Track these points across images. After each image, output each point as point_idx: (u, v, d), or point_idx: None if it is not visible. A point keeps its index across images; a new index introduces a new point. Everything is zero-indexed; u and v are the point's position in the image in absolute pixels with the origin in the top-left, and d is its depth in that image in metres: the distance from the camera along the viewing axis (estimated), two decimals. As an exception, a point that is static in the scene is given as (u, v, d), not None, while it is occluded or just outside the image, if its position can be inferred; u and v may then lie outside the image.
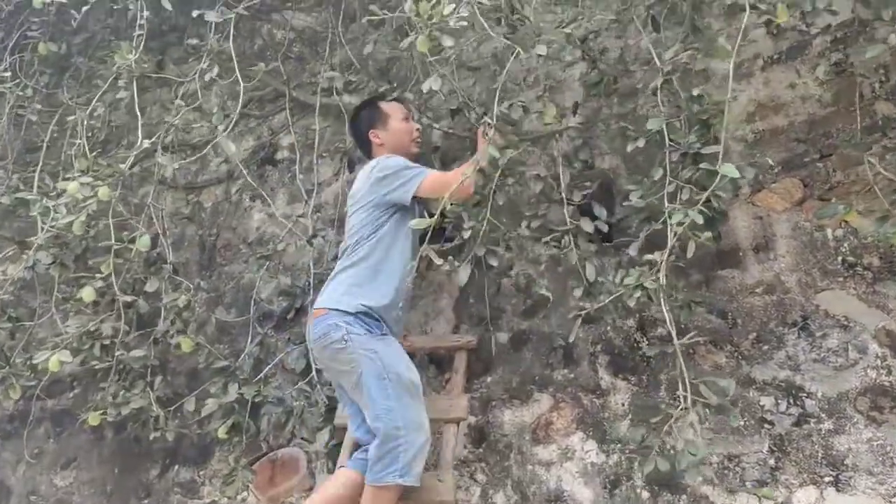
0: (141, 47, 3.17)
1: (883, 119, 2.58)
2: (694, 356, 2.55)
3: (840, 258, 2.50)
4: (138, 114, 3.08)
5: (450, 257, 2.31)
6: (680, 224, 2.25)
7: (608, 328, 2.72)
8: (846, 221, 2.55)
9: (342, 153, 3.28)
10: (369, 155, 2.79)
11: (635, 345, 2.66)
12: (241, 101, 2.91)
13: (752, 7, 2.28)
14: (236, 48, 3.03)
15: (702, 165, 2.33)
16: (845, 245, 2.51)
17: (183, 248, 3.53)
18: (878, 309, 2.40)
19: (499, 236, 2.78)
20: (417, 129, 2.83)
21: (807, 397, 2.39)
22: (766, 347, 2.50)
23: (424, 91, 2.52)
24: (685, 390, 2.25)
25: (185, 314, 3.10)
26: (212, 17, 2.96)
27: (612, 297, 2.31)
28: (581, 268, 2.45)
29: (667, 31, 3.02)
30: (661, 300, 2.28)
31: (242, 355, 3.01)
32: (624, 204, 2.50)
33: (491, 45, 3.26)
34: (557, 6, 3.21)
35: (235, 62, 2.93)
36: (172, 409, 3.03)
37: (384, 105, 2.82)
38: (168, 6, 3.12)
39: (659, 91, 2.48)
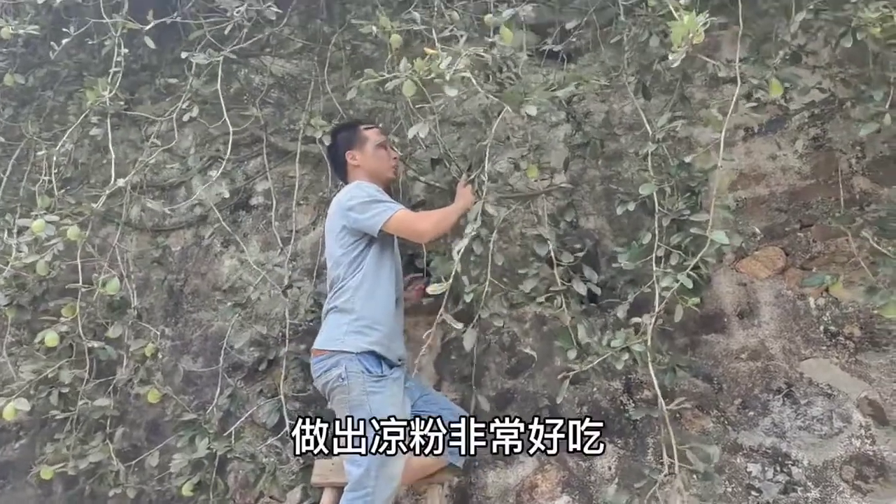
0: (118, 84, 3.08)
1: (860, 194, 2.68)
2: (681, 420, 2.56)
3: (822, 327, 2.55)
4: (111, 152, 2.96)
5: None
6: (667, 289, 2.28)
7: (594, 389, 2.70)
8: (827, 291, 2.61)
9: (322, 202, 3.21)
10: (345, 178, 2.77)
11: (622, 407, 2.65)
12: (229, 144, 2.83)
13: (744, 81, 2.33)
14: (212, 90, 2.99)
15: (692, 231, 2.37)
16: (827, 314, 2.57)
17: (147, 292, 3.38)
18: (860, 378, 2.45)
19: (499, 297, 2.79)
20: (395, 158, 2.81)
21: (793, 465, 2.41)
22: (751, 413, 2.52)
23: (409, 137, 2.51)
24: (671, 456, 2.25)
25: (149, 363, 2.97)
26: (199, 59, 2.89)
27: (599, 360, 2.31)
28: (572, 328, 2.43)
29: (652, 98, 3.12)
30: (647, 363, 2.30)
31: (210, 407, 2.87)
32: (613, 265, 2.50)
33: (475, 102, 3.27)
34: (543, 67, 3.26)
35: (223, 105, 2.85)
36: (133, 463, 2.86)
37: (363, 129, 2.81)
38: (151, 44, 3.04)
39: (650, 157, 2.53)
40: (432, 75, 2.39)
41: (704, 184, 2.50)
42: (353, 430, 2.34)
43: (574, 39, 3.02)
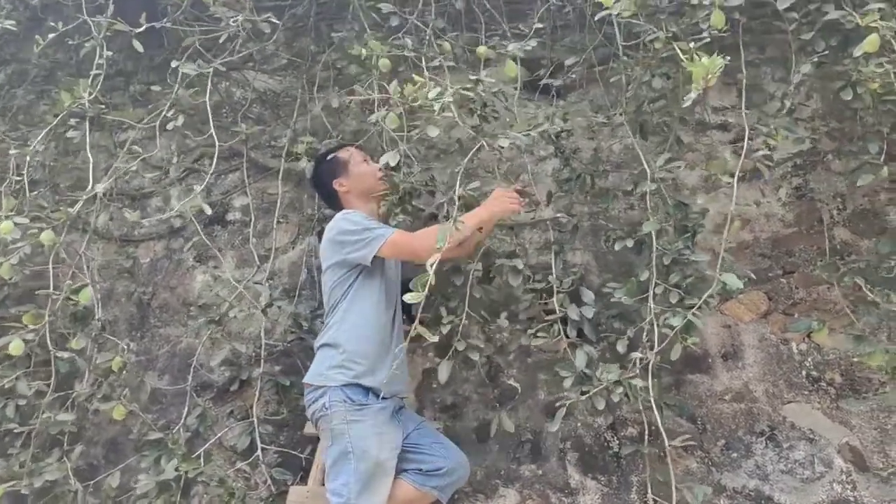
0: (98, 87, 2.97)
1: (841, 244, 2.76)
2: (665, 460, 2.55)
3: (805, 372, 2.60)
4: (89, 156, 2.85)
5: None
6: (669, 327, 2.29)
7: (578, 424, 2.68)
8: (809, 337, 2.67)
9: (314, 220, 3.14)
10: (337, 207, 2.71)
11: (606, 443, 2.64)
12: (215, 157, 2.76)
13: (740, 128, 2.37)
14: (196, 101, 2.92)
15: (690, 271, 2.41)
16: (809, 360, 2.62)
17: (111, 304, 3.23)
18: (841, 424, 2.50)
19: (477, 329, 2.76)
20: (380, 169, 2.71)
21: (776, 508, 2.43)
22: (734, 455, 2.54)
23: (380, 164, 2.48)
24: (663, 494, 2.26)
25: (111, 377, 2.83)
26: (189, 69, 2.82)
27: (595, 390, 2.30)
28: (571, 356, 2.42)
29: (642, 139, 3.16)
30: (650, 399, 2.30)
31: (177, 427, 2.74)
32: (612, 300, 2.50)
33: (462, 131, 3.26)
34: (531, 102, 3.28)
35: (210, 117, 2.78)
36: (91, 483, 2.71)
37: (341, 153, 2.77)
38: (139, 48, 2.94)
39: (648, 196, 2.56)
40: (418, 103, 2.39)
41: (701, 225, 2.54)
42: (333, 458, 2.28)
43: (565, 76, 3.04)
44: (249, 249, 3.12)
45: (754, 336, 2.69)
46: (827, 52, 2.32)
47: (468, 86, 2.49)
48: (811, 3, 2.38)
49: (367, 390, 2.35)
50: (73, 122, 2.96)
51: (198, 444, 2.83)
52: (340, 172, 2.70)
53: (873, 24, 2.13)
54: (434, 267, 2.02)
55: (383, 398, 2.37)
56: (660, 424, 2.18)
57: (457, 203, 2.30)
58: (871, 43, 2.13)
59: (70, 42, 3.16)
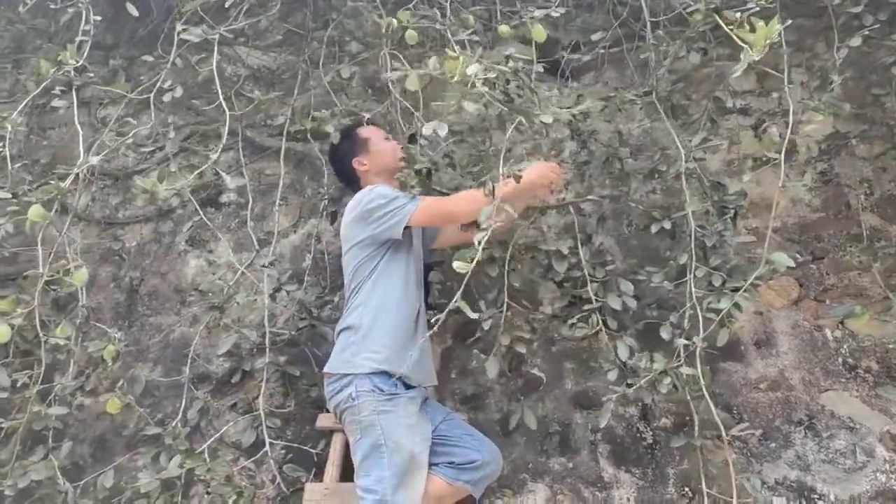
0: (85, 55, 2.74)
1: (870, 230, 2.70)
2: (702, 451, 2.44)
3: (840, 359, 2.52)
4: (78, 127, 2.61)
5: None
6: (714, 311, 2.19)
7: (609, 415, 2.55)
8: (842, 324, 2.59)
9: (323, 202, 2.95)
10: (356, 187, 2.55)
11: (638, 434, 2.51)
12: (225, 130, 2.55)
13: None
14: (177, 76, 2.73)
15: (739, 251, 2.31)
16: (845, 347, 2.54)
17: (94, 290, 2.98)
18: (881, 413, 2.42)
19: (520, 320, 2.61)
20: (401, 147, 2.57)
21: (819, 499, 2.33)
22: (773, 445, 2.44)
23: (425, 134, 2.31)
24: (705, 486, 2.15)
25: (105, 368, 2.60)
26: (191, 35, 2.61)
27: (642, 382, 2.18)
28: (612, 347, 2.29)
29: (656, 122, 3.06)
30: (685, 389, 2.19)
31: (175, 422, 2.52)
32: (654, 284, 2.38)
33: (492, 108, 3.12)
34: (544, 84, 3.15)
35: (219, 85, 2.58)
36: (80, 483, 2.47)
37: (362, 130, 2.64)
38: (134, 12, 2.73)
39: (683, 177, 2.45)
40: (457, 79, 2.25)
41: (741, 206, 2.44)
42: (363, 452, 2.10)
43: (590, 52, 2.92)
44: (247, 233, 2.92)
45: (787, 323, 2.61)
46: (877, 25, 2.24)
47: (498, 62, 2.36)
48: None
49: (395, 380, 2.18)
50: (57, 90, 2.72)
51: (196, 440, 2.63)
52: (360, 151, 2.56)
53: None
54: (482, 243, 1.87)
55: (411, 387, 2.21)
56: (715, 415, 2.05)
57: (502, 178, 2.14)
58: (929, 15, 2.06)
59: (52, 6, 2.92)
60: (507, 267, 2.41)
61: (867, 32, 2.25)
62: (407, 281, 2.32)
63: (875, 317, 2.56)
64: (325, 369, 2.27)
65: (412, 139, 2.42)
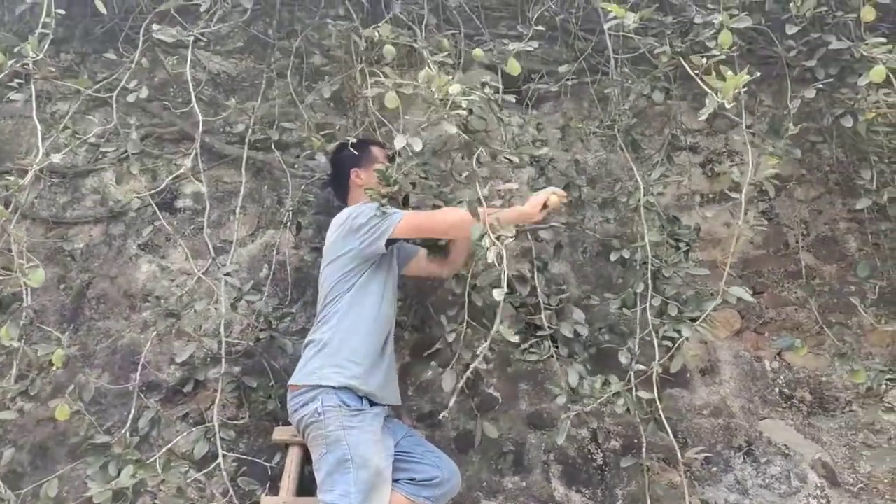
0: (46, 47, 2.65)
1: (806, 268, 2.87)
2: (649, 473, 2.54)
3: (777, 389, 2.68)
4: (36, 122, 2.53)
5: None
6: (670, 339, 2.30)
7: (566, 434, 2.63)
8: (780, 355, 2.76)
9: (289, 212, 2.93)
10: (344, 196, 2.60)
11: (589, 456, 2.60)
12: (198, 135, 2.51)
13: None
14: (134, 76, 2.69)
15: (694, 283, 2.43)
16: (781, 377, 2.70)
17: (38, 292, 2.86)
18: (813, 441, 2.58)
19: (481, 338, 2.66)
20: (375, 169, 2.58)
21: (756, 522, 2.47)
22: (714, 469, 2.56)
23: (397, 148, 2.35)
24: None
25: (42, 374, 2.53)
26: (165, 35, 2.57)
27: (594, 404, 2.27)
28: (563, 373, 2.37)
29: (611, 153, 3.18)
30: (637, 413, 2.29)
31: (124, 431, 2.45)
32: (612, 310, 2.47)
33: (435, 132, 3.18)
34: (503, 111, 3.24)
35: (191, 89, 2.55)
36: (23, 492, 2.38)
37: (375, 148, 2.66)
38: (103, 10, 2.67)
39: (641, 208, 2.56)
40: (438, 97, 2.31)
41: (694, 239, 2.57)
42: (329, 467, 2.11)
43: (557, 84, 3.01)
44: (202, 240, 2.87)
45: (730, 353, 2.75)
46: (830, 80, 2.41)
47: (472, 87, 2.42)
48: (812, 33, 2.48)
49: (361, 396, 2.20)
50: (15, 83, 2.64)
51: (144, 450, 2.56)
52: (363, 164, 2.57)
53: (880, 56, 2.23)
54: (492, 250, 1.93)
55: (376, 405, 2.24)
56: (672, 438, 2.15)
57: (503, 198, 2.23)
58: (877, 73, 2.23)
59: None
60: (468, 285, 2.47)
61: (820, 85, 2.41)
62: (383, 300, 2.34)
63: (810, 350, 2.73)
64: (291, 381, 2.26)
65: (391, 159, 2.45)
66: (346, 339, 2.24)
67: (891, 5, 2.43)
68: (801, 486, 2.50)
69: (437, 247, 2.60)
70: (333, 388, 2.16)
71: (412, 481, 2.25)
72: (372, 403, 2.23)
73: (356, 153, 2.54)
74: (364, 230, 2.27)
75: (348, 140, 2.55)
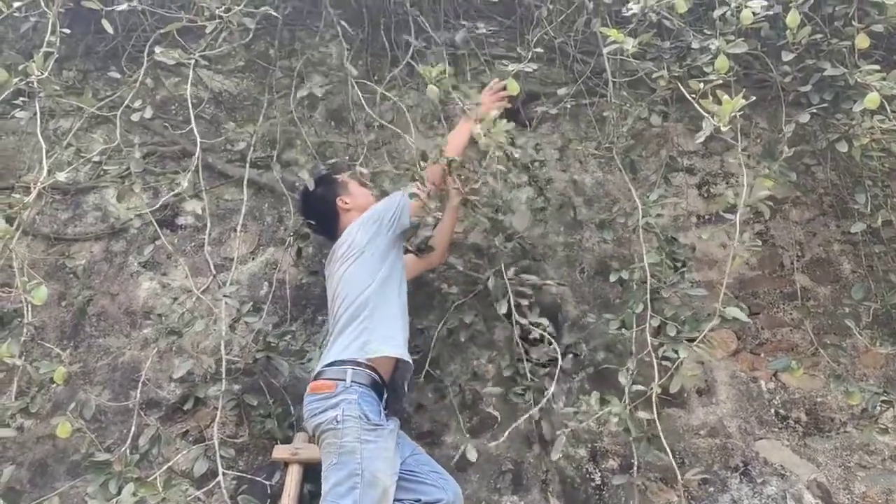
0: (51, 66, 2.68)
1: (801, 289, 2.91)
2: (646, 493, 2.56)
3: (773, 410, 2.70)
4: (41, 140, 2.55)
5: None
6: (669, 359, 2.33)
7: (560, 456, 2.64)
8: (776, 376, 2.78)
9: (290, 234, 2.96)
10: (334, 229, 2.63)
11: (587, 475, 2.61)
12: (197, 152, 2.54)
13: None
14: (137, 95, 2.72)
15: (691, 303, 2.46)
16: (777, 398, 2.73)
17: (38, 308, 2.87)
18: (809, 461, 2.61)
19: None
20: (374, 195, 2.77)
21: (753, 542, 2.48)
22: (711, 489, 2.58)
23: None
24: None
25: (43, 391, 2.53)
26: (167, 57, 2.60)
27: (594, 416, 2.29)
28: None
29: (608, 174, 3.22)
30: (658, 431, 2.31)
31: (124, 448, 2.46)
32: (612, 331, 2.50)
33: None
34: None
35: (191, 109, 2.58)
36: (22, 510, 2.38)
37: (338, 177, 2.79)
38: (109, 29, 2.70)
39: (640, 230, 2.60)
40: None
41: (690, 259, 2.60)
42: (337, 478, 2.11)
43: (557, 105, 3.04)
44: (203, 257, 2.89)
45: (726, 373, 2.78)
46: (825, 105, 2.45)
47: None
48: (807, 59, 2.52)
49: (380, 409, 2.22)
50: (20, 101, 2.66)
51: (143, 467, 2.56)
52: (342, 191, 2.69)
53: (874, 83, 2.28)
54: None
55: (390, 418, 2.26)
56: (671, 457, 2.17)
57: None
58: (871, 100, 2.27)
59: (16, 14, 2.84)
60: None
61: (814, 110, 2.45)
62: (400, 290, 2.45)
63: (805, 371, 2.76)
64: (320, 366, 2.30)
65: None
66: (383, 320, 2.32)
67: (884, 33, 2.47)
68: (797, 506, 2.53)
69: (426, 247, 2.71)
70: (356, 396, 2.18)
71: (417, 503, 2.26)
72: (388, 417, 2.25)
73: (331, 186, 2.69)
74: (390, 216, 2.44)
75: (323, 173, 2.80)
